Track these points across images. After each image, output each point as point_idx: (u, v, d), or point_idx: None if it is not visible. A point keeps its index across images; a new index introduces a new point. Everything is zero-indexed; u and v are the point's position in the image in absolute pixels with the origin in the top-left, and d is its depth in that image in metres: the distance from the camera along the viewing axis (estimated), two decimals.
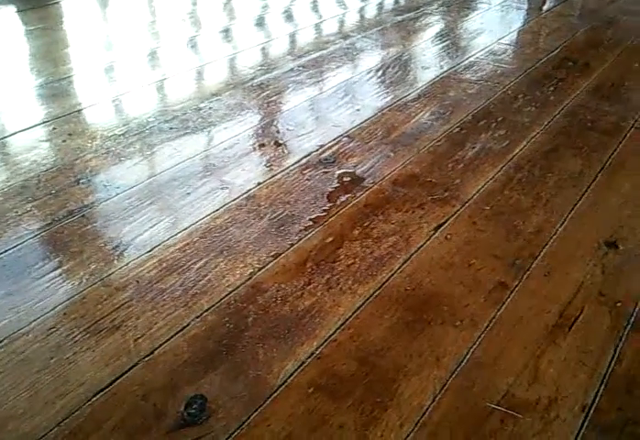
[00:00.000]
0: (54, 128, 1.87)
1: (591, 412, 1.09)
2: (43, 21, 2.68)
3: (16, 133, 1.83)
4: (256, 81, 2.24)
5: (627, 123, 2.07)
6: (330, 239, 1.47)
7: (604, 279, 1.39)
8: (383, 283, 1.34)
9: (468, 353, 1.18)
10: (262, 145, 1.85)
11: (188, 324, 1.21)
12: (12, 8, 2.84)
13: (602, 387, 1.14)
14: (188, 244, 1.43)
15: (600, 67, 2.50)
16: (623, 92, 2.33)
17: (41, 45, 2.47)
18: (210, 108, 2.03)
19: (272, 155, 1.80)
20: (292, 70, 2.34)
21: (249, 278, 1.33)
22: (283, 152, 1.82)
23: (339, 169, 1.74)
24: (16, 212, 1.50)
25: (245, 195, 1.61)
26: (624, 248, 1.49)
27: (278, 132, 1.93)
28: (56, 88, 2.10)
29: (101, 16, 2.88)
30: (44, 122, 1.90)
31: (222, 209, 1.55)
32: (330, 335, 1.20)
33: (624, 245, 1.50)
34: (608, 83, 2.37)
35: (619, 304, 1.32)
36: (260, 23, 2.82)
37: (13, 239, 1.41)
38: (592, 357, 1.20)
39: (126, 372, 1.10)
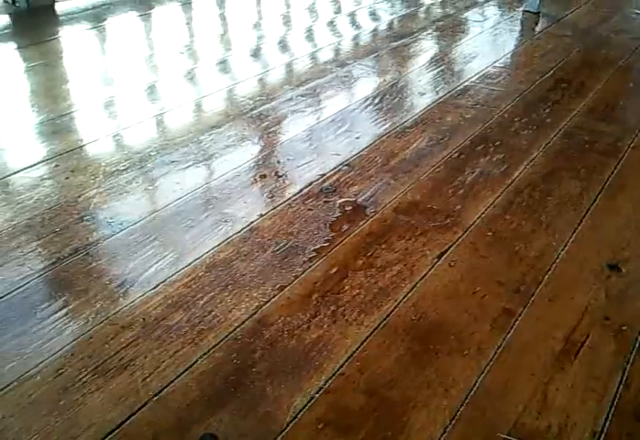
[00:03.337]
0: (57, 165, 1.88)
1: (602, 438, 1.09)
2: (43, 57, 2.71)
3: (18, 171, 1.85)
4: (255, 111, 2.26)
5: (624, 143, 2.09)
6: (334, 270, 1.48)
7: (608, 302, 1.40)
8: (389, 314, 1.35)
9: (476, 382, 1.19)
10: (263, 176, 1.86)
11: (196, 362, 1.21)
12: (12, 45, 2.87)
13: (611, 413, 1.14)
14: (193, 279, 1.43)
15: (594, 87, 2.53)
16: (618, 111, 2.35)
17: (42, 81, 2.50)
18: (211, 140, 2.05)
19: (274, 186, 1.81)
20: (290, 99, 2.37)
21: (255, 312, 1.34)
22: (284, 183, 1.83)
23: (341, 198, 1.76)
24: (21, 251, 1.51)
25: (248, 228, 1.62)
26: (627, 271, 1.50)
27: (278, 162, 1.95)
28: (57, 125, 2.12)
29: (100, 50, 2.92)
30: (46, 159, 1.92)
31: (225, 242, 1.56)
32: (338, 369, 1.20)
33: (627, 267, 1.51)
34: (603, 104, 2.39)
35: (624, 328, 1.33)
36: (257, 54, 2.85)
37: (18, 280, 1.41)
38: (600, 382, 1.20)
39: (136, 412, 1.10)
